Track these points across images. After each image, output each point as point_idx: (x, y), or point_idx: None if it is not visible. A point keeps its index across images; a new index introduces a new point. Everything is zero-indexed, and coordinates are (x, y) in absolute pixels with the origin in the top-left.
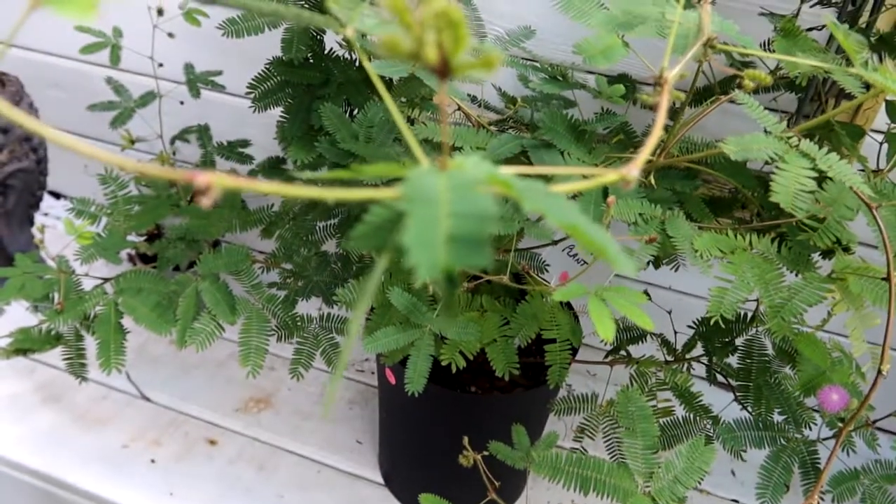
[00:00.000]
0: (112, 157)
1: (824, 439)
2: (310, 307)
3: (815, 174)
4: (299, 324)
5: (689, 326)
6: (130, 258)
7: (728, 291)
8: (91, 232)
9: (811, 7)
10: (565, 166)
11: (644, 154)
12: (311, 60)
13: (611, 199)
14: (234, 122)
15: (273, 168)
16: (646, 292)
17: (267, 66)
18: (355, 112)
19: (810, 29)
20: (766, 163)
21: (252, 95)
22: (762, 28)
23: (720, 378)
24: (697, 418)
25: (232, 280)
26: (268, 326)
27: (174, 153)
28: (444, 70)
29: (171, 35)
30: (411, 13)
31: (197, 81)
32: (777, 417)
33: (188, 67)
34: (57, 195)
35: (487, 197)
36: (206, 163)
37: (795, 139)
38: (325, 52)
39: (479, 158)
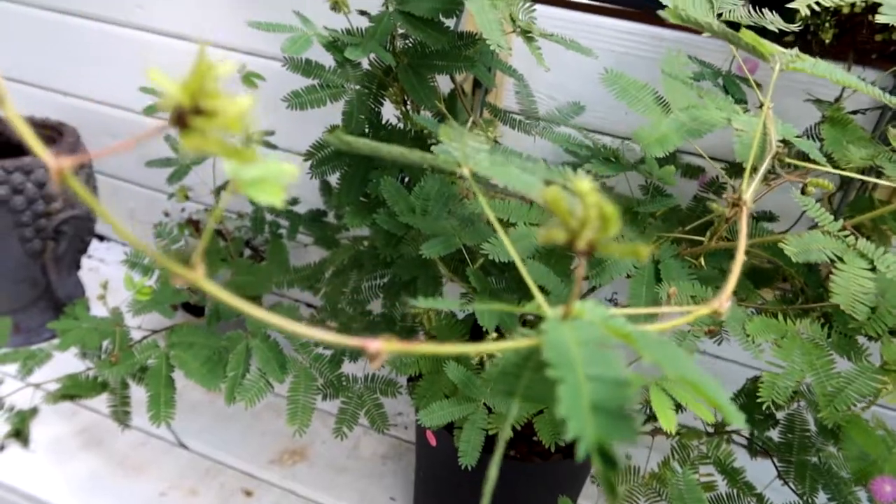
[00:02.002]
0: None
1: None
2: (354, 366)
3: (873, 275)
4: (345, 383)
5: (730, 398)
6: (173, 306)
7: (779, 377)
8: (150, 288)
9: (854, 91)
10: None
11: (730, 286)
12: (368, 131)
13: (672, 290)
14: None
15: (314, 220)
16: None
17: (325, 135)
18: (407, 179)
19: (854, 112)
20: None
21: (309, 162)
22: (806, 107)
23: (761, 450)
24: (741, 494)
25: (276, 334)
26: (315, 385)
27: (219, 202)
28: (590, 253)
29: None
30: (568, 208)
31: (251, 142)
32: (823, 496)
33: None
34: (101, 237)
35: (616, 357)
36: (257, 220)
37: (852, 238)
38: (382, 122)
39: (594, 303)
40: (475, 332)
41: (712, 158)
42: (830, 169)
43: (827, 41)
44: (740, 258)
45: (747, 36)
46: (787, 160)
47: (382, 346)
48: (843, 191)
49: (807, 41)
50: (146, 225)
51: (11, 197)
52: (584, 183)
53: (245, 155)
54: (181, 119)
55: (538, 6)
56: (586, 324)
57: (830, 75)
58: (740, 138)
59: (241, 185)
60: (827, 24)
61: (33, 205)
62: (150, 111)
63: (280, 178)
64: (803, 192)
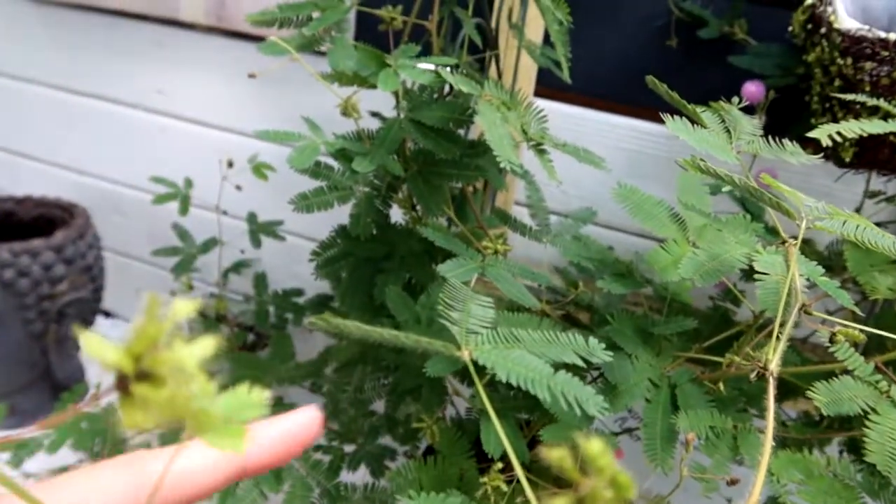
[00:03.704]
0: None
1: None
2: (353, 475)
3: None
4: (343, 493)
5: None
6: None
7: None
8: None
9: (876, 203)
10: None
11: (755, 495)
12: (375, 232)
13: (691, 436)
14: (286, 257)
15: (321, 305)
16: None
17: (332, 235)
18: (414, 280)
19: (877, 224)
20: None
21: (315, 262)
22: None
23: None
24: None
25: None
26: (311, 496)
27: (225, 284)
28: None
29: (238, 188)
30: (580, 474)
31: (259, 232)
32: None
33: (251, 217)
34: (107, 314)
35: None
36: (260, 313)
37: (885, 383)
38: (389, 222)
39: None
40: (480, 445)
41: None
42: (855, 325)
43: (847, 160)
44: (768, 450)
45: (768, 182)
46: (816, 314)
47: None
48: (868, 306)
49: (826, 155)
50: None
51: (17, 280)
52: (595, 445)
53: (202, 418)
54: (122, 386)
55: (552, 104)
56: None
57: (860, 238)
58: (763, 284)
59: (201, 435)
60: (847, 144)
61: (38, 287)
62: (159, 201)
63: (245, 416)
64: (832, 341)
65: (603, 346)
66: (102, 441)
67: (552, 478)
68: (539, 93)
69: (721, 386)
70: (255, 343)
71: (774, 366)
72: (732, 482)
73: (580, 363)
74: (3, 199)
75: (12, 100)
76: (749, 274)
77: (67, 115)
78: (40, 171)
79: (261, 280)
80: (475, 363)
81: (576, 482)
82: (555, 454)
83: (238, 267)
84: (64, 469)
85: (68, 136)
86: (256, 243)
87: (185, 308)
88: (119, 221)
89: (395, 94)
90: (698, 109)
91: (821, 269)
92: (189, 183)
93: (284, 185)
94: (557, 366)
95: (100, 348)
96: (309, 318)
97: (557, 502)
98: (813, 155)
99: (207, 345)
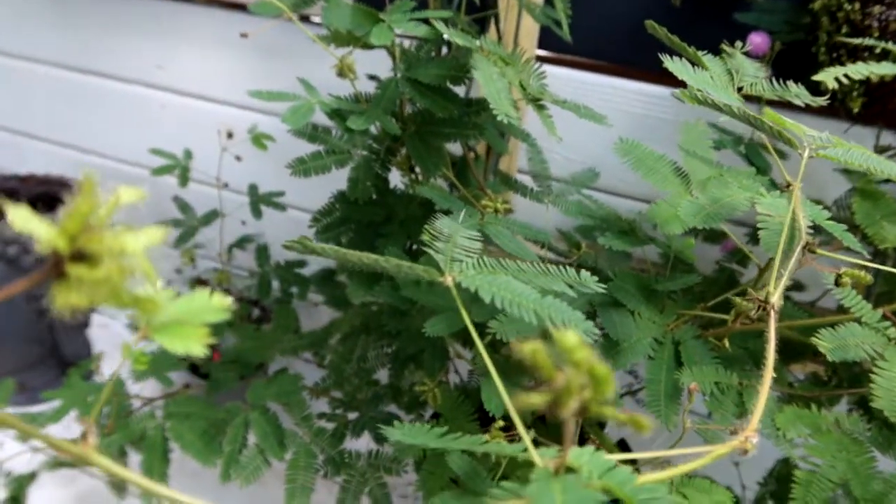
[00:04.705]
0: None
1: None
2: (358, 441)
3: None
4: (347, 460)
5: (759, 483)
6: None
7: (815, 478)
8: (147, 356)
9: (887, 159)
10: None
11: (755, 420)
12: (375, 197)
13: (693, 385)
14: (287, 232)
15: (325, 279)
16: None
17: (331, 201)
18: (415, 247)
19: (886, 180)
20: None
21: (314, 228)
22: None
23: None
24: None
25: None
26: (315, 463)
27: (229, 259)
28: (581, 415)
29: (238, 158)
30: (555, 369)
31: (260, 202)
32: None
33: (252, 189)
34: None
35: None
36: (263, 284)
37: (894, 330)
38: (389, 187)
39: (593, 451)
40: (483, 410)
41: (735, 222)
42: (861, 262)
43: (855, 110)
44: (767, 382)
45: (771, 118)
46: (820, 252)
47: None
48: (878, 261)
49: (834, 107)
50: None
51: (21, 256)
52: (570, 337)
53: (148, 305)
54: (56, 266)
55: (557, 69)
56: (579, 485)
57: (865, 165)
58: (766, 225)
59: (152, 332)
60: (855, 93)
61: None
62: (158, 172)
63: (203, 319)
64: (837, 284)
65: (595, 278)
66: (109, 413)
67: (557, 438)
68: (541, 58)
69: (726, 343)
70: (260, 318)
71: (776, 299)
72: (734, 432)
73: (570, 293)
74: (7, 178)
75: (14, 79)
76: (755, 237)
77: (69, 93)
78: (43, 149)
79: (263, 252)
80: (458, 287)
81: (550, 377)
82: (527, 348)
83: (242, 242)
84: (73, 441)
85: (70, 114)
86: (257, 214)
87: (129, 193)
88: None
89: (392, 55)
90: (700, 53)
91: (826, 213)
92: (188, 154)
93: (285, 160)
94: (546, 294)
95: (30, 223)
96: (315, 292)
97: (533, 398)
98: (820, 99)
99: (154, 233)
